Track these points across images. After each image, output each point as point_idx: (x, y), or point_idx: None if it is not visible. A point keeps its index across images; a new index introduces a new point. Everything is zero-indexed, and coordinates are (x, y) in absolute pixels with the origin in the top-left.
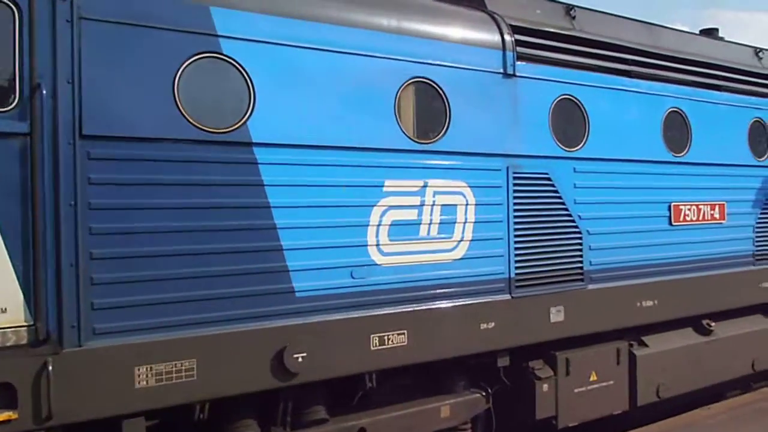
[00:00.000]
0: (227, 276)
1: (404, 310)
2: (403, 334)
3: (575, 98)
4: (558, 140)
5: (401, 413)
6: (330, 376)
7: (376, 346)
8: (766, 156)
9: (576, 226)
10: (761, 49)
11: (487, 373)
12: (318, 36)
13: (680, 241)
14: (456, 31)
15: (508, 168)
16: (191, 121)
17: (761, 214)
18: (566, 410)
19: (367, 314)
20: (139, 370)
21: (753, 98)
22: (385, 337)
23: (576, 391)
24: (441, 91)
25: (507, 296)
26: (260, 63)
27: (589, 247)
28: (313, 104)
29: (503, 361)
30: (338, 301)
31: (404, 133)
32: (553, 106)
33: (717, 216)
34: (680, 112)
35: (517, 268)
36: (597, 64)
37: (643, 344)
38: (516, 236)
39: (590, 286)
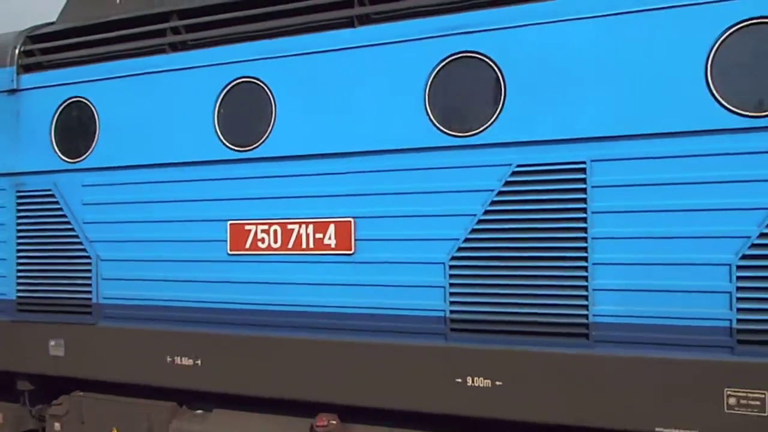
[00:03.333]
0: None
1: None
2: None
3: (85, 99)
4: (62, 151)
5: None
6: None
7: None
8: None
9: (84, 250)
10: None
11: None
12: None
13: (248, 278)
14: None
15: (13, 187)
16: None
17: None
18: None
19: None
20: None
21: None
22: None
23: None
24: None
25: (9, 318)
26: None
27: (101, 276)
28: None
29: (23, 385)
30: None
31: None
32: (57, 113)
33: (332, 243)
34: (257, 81)
35: (20, 291)
36: (117, 50)
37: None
38: (19, 258)
39: (102, 324)
